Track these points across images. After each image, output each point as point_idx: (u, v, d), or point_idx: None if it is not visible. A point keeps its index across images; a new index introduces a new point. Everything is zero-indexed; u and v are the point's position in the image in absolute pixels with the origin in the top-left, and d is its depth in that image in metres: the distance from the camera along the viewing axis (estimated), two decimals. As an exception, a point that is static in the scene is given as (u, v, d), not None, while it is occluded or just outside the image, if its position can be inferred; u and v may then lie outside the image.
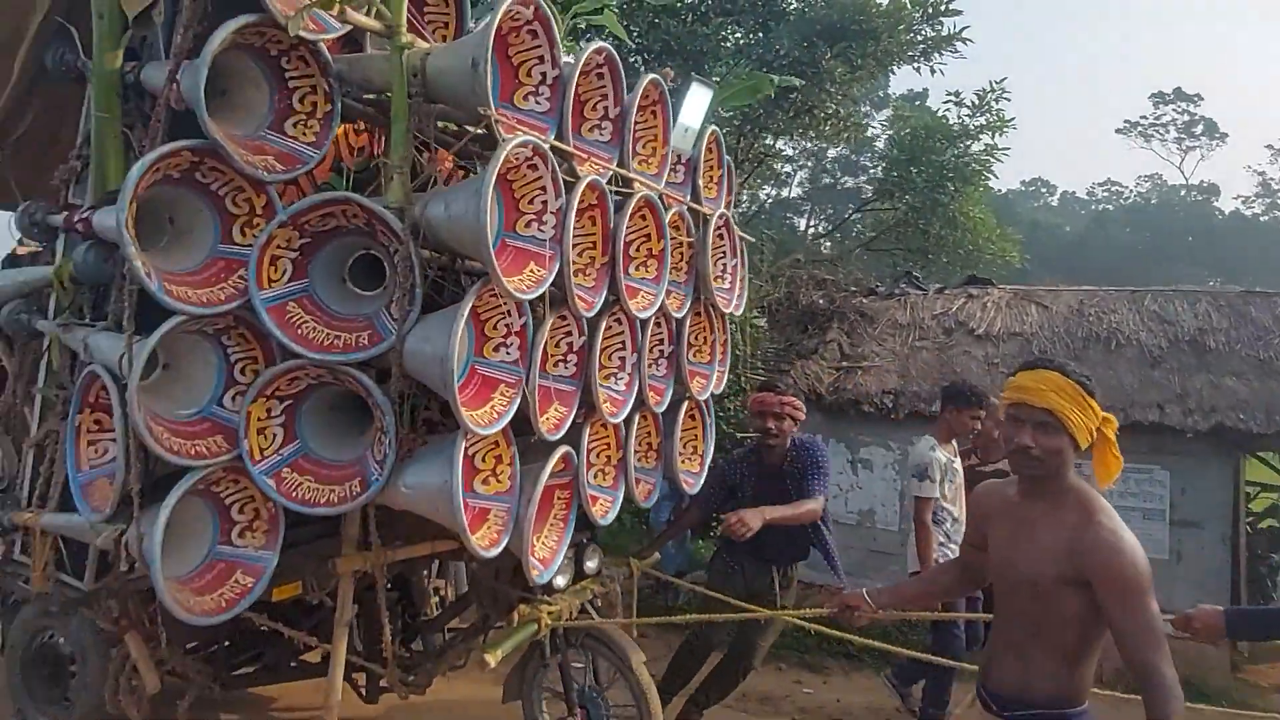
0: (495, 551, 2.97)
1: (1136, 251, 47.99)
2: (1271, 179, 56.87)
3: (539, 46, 2.93)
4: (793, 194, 28.18)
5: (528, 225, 2.92)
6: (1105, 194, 63.53)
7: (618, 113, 3.30)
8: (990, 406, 5.22)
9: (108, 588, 3.21)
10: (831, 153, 26.97)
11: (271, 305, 2.81)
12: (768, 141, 13.97)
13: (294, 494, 2.91)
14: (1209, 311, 7.77)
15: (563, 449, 3.24)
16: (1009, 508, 2.35)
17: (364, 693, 4.11)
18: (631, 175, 3.35)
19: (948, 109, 15.38)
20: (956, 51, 12.87)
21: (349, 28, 2.91)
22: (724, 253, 4.12)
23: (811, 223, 27.52)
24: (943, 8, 12.50)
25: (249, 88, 2.93)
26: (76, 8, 3.13)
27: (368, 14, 2.80)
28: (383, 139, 3.76)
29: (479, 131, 2.78)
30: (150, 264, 2.66)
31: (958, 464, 5.00)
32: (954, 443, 5.08)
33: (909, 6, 12.45)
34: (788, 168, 23.35)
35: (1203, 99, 58.61)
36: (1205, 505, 6.75)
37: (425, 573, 4.30)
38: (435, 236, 2.79)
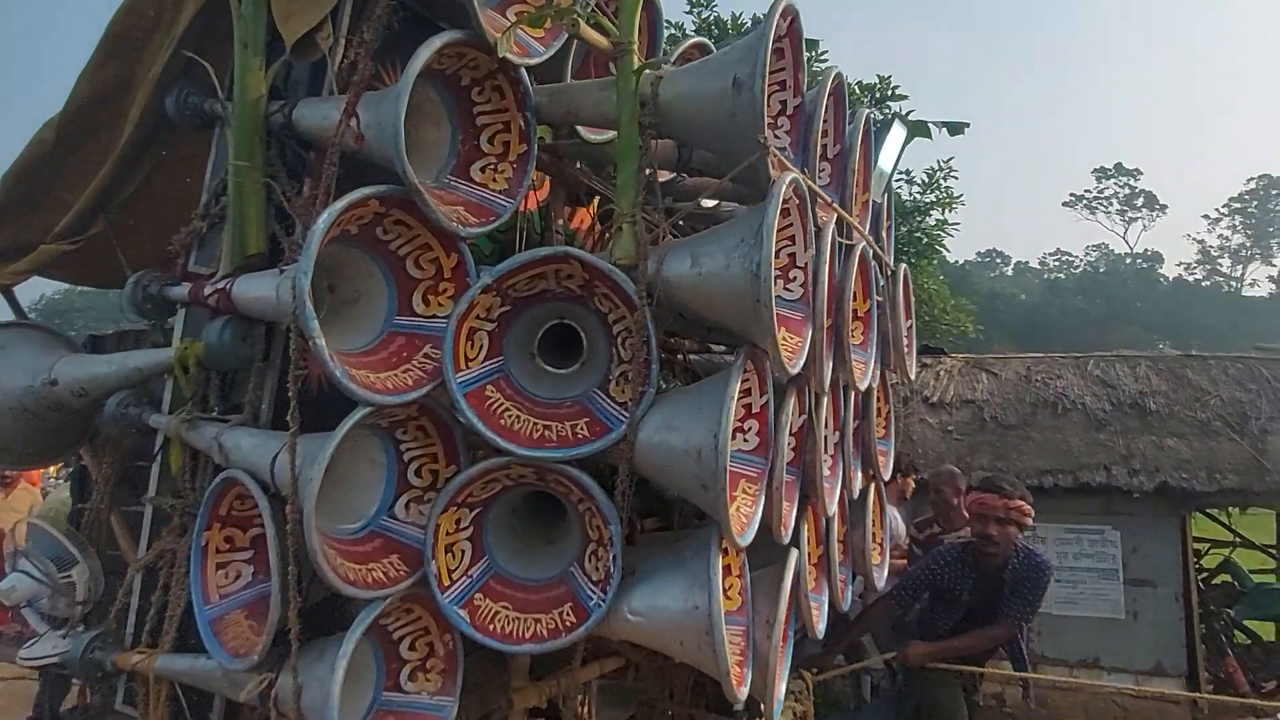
0: (745, 694, 2.21)
1: (1090, 317, 48.38)
2: (1210, 246, 57.69)
3: (782, 70, 2.28)
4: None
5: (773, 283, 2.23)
6: (1056, 263, 64.29)
7: (837, 151, 2.65)
8: (951, 476, 5.22)
9: (237, 747, 2.41)
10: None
11: (470, 390, 2.09)
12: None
13: (490, 627, 2.15)
14: (1149, 375, 7.83)
15: (795, 553, 2.50)
16: None
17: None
18: (854, 223, 2.68)
19: (899, 186, 15.53)
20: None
21: (552, 52, 2.26)
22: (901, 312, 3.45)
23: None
24: (889, 92, 13.02)
25: (427, 125, 2.26)
26: (207, 40, 2.47)
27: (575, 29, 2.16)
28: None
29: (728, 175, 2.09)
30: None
31: None
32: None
33: (857, 91, 12.89)
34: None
35: (1142, 173, 59.89)
36: (1157, 563, 6.75)
37: (581, 696, 3.49)
38: (674, 300, 2.09)
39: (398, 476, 2.26)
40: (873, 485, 3.39)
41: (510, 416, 2.12)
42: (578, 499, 2.18)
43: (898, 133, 2.99)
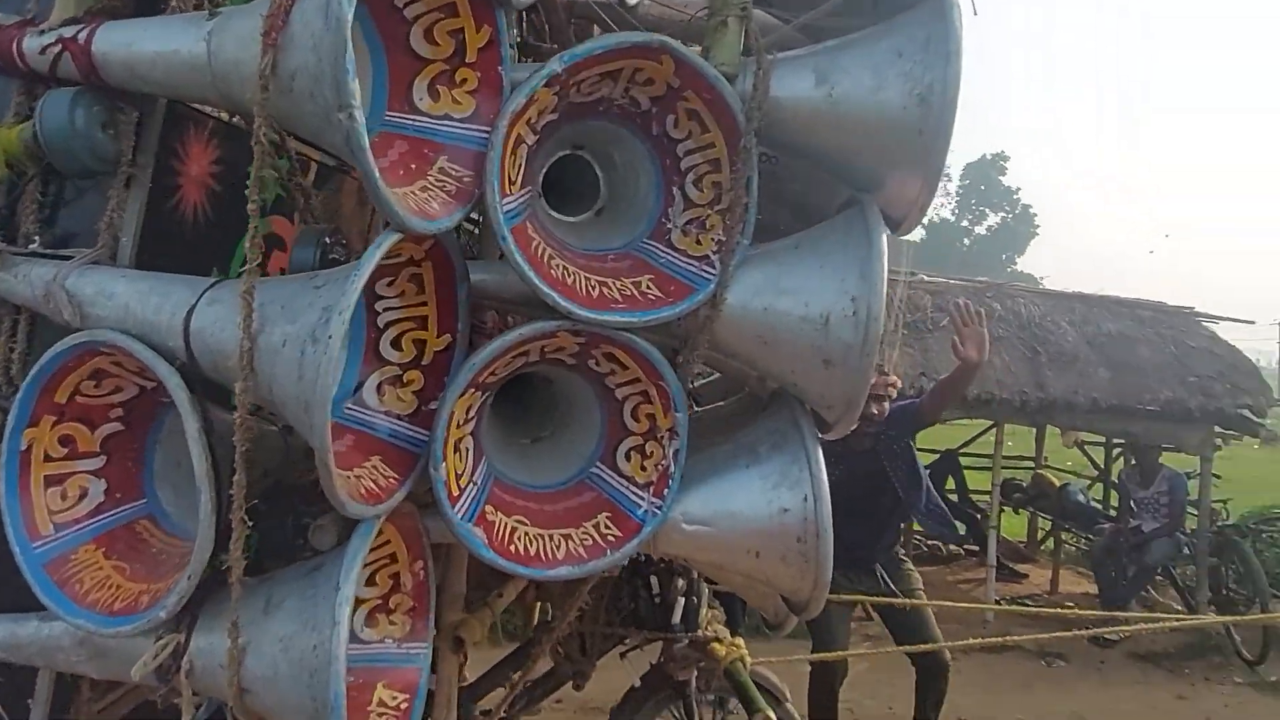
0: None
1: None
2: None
3: None
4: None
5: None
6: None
7: None
8: None
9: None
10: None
11: (515, 225, 1.46)
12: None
13: (511, 549, 1.58)
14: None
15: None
16: None
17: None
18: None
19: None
20: None
21: None
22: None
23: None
24: None
25: None
26: None
27: None
28: None
29: None
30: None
31: None
32: None
33: None
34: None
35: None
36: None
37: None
38: (781, 127, 1.60)
39: (365, 348, 1.57)
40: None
41: (558, 268, 1.52)
42: (624, 380, 1.66)
43: None
